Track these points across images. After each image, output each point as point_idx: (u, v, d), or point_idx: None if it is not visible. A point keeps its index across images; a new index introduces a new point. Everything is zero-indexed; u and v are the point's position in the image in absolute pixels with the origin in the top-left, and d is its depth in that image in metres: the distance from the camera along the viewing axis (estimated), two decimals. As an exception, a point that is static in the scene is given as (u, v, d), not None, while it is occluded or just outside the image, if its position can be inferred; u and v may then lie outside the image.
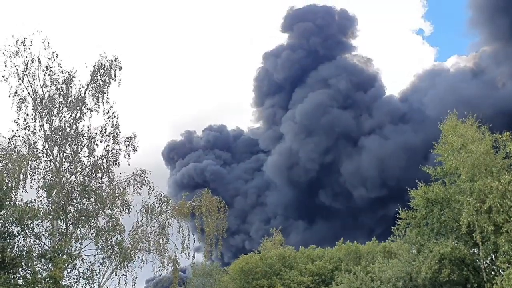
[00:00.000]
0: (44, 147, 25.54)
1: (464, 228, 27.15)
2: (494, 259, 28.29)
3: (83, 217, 25.28)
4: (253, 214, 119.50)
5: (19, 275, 23.13)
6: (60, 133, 25.64)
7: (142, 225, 26.92)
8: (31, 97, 26.11)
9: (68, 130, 25.82)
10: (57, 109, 26.00)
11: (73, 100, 26.22)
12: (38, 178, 24.93)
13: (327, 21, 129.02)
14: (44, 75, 26.27)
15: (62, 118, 25.96)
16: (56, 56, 26.29)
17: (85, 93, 26.57)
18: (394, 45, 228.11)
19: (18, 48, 26.20)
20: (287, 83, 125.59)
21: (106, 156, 26.19)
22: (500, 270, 27.27)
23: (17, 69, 26.15)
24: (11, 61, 26.12)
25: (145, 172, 26.99)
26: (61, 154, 25.66)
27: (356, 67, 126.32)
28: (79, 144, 25.93)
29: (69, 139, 25.68)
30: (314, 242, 58.78)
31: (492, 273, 28.56)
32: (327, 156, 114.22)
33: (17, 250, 23.55)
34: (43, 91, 26.17)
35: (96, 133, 26.28)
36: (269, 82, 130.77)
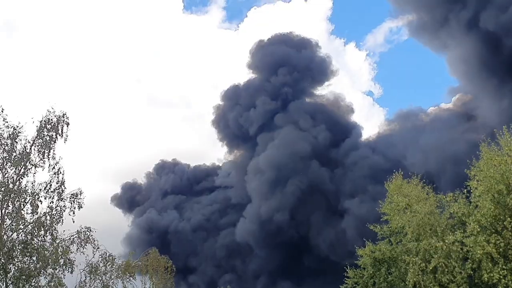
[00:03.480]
0: (-15, 203, 24.81)
1: (411, 288, 27.37)
2: (440, 319, 28.47)
3: (24, 277, 24.44)
4: (226, 282, 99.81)
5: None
6: (2, 189, 24.95)
7: (85, 285, 26.18)
8: (-27, 153, 25.49)
9: (11, 186, 25.18)
10: (1, 164, 25.39)
11: (18, 155, 25.67)
12: (-23, 235, 24.12)
13: (302, 67, 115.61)
14: (-12, 130, 25.76)
15: (5, 174, 25.33)
16: (2, 111, 25.85)
17: (30, 148, 26.06)
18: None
19: (-39, 103, 25.71)
20: (258, 132, 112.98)
21: (50, 213, 25.55)
22: (446, 331, 27.43)
23: (-41, 125, 25.62)
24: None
25: (90, 230, 26.43)
26: (3, 211, 24.91)
27: (331, 113, 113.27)
28: (22, 200, 25.25)
29: (12, 195, 24.99)
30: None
31: (439, 333, 28.69)
32: (304, 224, 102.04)
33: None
34: (-14, 147, 25.60)
35: (40, 189, 25.68)
36: (236, 130, 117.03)
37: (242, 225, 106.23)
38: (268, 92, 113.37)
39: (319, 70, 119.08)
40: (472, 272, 26.02)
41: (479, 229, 25.47)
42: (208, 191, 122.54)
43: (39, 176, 25.94)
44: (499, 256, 24.88)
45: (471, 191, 27.64)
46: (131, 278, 27.80)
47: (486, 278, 24.81)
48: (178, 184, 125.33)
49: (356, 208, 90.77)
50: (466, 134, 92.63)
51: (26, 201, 25.40)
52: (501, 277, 24.49)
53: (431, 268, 26.44)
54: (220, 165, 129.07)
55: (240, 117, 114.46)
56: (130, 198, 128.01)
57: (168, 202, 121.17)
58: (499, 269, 24.67)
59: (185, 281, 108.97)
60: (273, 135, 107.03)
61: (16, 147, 25.86)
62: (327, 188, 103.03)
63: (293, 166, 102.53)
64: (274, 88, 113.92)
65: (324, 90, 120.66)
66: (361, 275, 31.61)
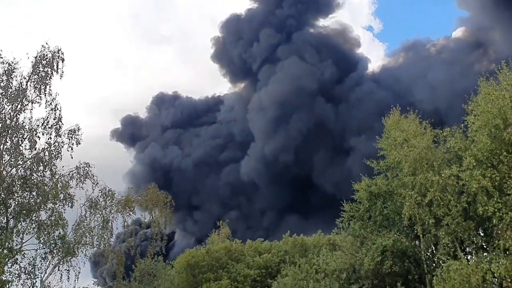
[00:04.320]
0: (-17, 139, 24.81)
1: (406, 221, 27.73)
2: (434, 251, 29.02)
3: (24, 211, 24.71)
4: (232, 219, 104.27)
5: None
6: (0, 125, 24.93)
7: (86, 219, 26.52)
8: (-30, 88, 25.31)
9: (8, 122, 25.12)
10: (-3, 101, 25.27)
11: (14, 91, 25.52)
12: (-23, 171, 24.23)
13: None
14: (-17, 66, 25.51)
15: (2, 110, 25.23)
16: (-4, 46, 25.54)
17: (26, 84, 25.88)
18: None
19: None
20: (261, 66, 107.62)
21: (48, 149, 25.60)
22: (440, 262, 27.96)
23: (-45, 60, 25.35)
24: None
25: (89, 166, 26.60)
26: (1, 146, 24.96)
27: (336, 45, 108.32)
28: (20, 136, 25.26)
29: (9, 131, 24.98)
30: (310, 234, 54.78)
31: (433, 265, 29.28)
32: (309, 164, 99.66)
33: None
34: (-18, 82, 25.41)
35: (38, 125, 25.66)
36: (238, 64, 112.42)
37: (246, 164, 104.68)
38: (272, 24, 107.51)
39: (324, 2, 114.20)
40: (467, 206, 26.31)
41: (475, 163, 25.57)
42: (210, 125, 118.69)
43: (36, 112, 25.90)
44: (494, 189, 25.07)
45: (468, 125, 27.68)
46: (131, 213, 28.16)
47: (481, 211, 25.09)
48: (178, 118, 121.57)
49: (363, 146, 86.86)
50: (477, 66, 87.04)
51: (24, 137, 25.43)
52: (496, 210, 24.74)
53: (426, 201, 26.69)
54: (222, 95, 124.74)
55: (244, 52, 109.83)
56: (131, 132, 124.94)
57: (169, 137, 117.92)
58: (494, 202, 24.88)
59: (191, 217, 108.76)
60: (276, 68, 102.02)
61: (12, 83, 25.70)
62: (332, 126, 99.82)
63: (297, 102, 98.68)
64: (278, 20, 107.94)
65: (326, 23, 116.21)
66: (357, 209, 32.04)
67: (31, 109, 25.87)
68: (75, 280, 25.59)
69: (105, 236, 26.57)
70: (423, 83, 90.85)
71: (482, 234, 26.92)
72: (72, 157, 26.22)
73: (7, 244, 23.60)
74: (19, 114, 25.60)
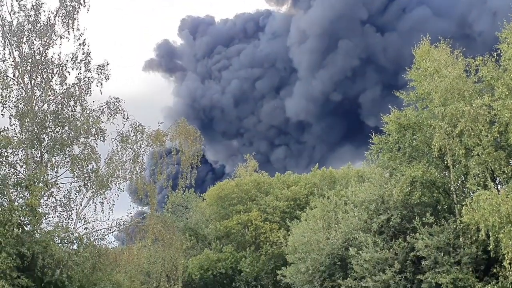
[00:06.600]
0: (15, 74, 25.04)
1: (436, 152, 27.58)
2: (464, 181, 28.96)
3: (57, 146, 25.14)
4: (279, 158, 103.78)
5: (-6, 203, 23.13)
6: (30, 60, 25.10)
7: (117, 154, 26.94)
8: (-1, 23, 25.37)
9: (38, 57, 25.27)
10: (26, 36, 25.33)
11: (43, 27, 25.56)
12: (9, 106, 24.56)
13: None
14: (12, 0, 25.49)
15: (31, 46, 25.35)
16: (22, -20, 25.39)
17: (54, 19, 25.87)
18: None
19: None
20: None
21: (78, 84, 25.82)
22: (470, 192, 28.00)
23: (-18, -6, 25.31)
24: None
25: (119, 101, 26.81)
26: (32, 82, 25.24)
27: None
28: (50, 71, 25.46)
29: (39, 67, 25.18)
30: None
31: (462, 195, 29.31)
32: (359, 101, 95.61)
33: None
34: (11, 18, 25.44)
35: (67, 61, 25.81)
36: None
37: (293, 102, 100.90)
38: None
39: None
40: (498, 135, 26.09)
41: (507, 93, 25.12)
42: (248, 52, 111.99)
43: (64, 48, 25.98)
44: (527, 119, 24.73)
45: (501, 54, 27.06)
46: (161, 147, 28.50)
47: (512, 141, 24.88)
48: (211, 47, 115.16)
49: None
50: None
51: (54, 72, 25.63)
52: (528, 139, 24.52)
53: (457, 132, 26.50)
54: (262, 16, 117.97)
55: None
56: (165, 61, 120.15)
57: (205, 68, 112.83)
58: (526, 132, 24.63)
59: (241, 154, 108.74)
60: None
61: (40, 18, 25.70)
62: (382, 60, 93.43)
63: (344, 31, 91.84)
64: None
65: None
66: (386, 141, 31.93)
67: (60, 44, 25.99)
68: (109, 212, 26.23)
69: (137, 169, 27.04)
70: (481, 8, 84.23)
71: (513, 164, 26.73)
72: (101, 92, 26.44)
73: (42, 177, 24.12)
74: (48, 50, 25.73)
